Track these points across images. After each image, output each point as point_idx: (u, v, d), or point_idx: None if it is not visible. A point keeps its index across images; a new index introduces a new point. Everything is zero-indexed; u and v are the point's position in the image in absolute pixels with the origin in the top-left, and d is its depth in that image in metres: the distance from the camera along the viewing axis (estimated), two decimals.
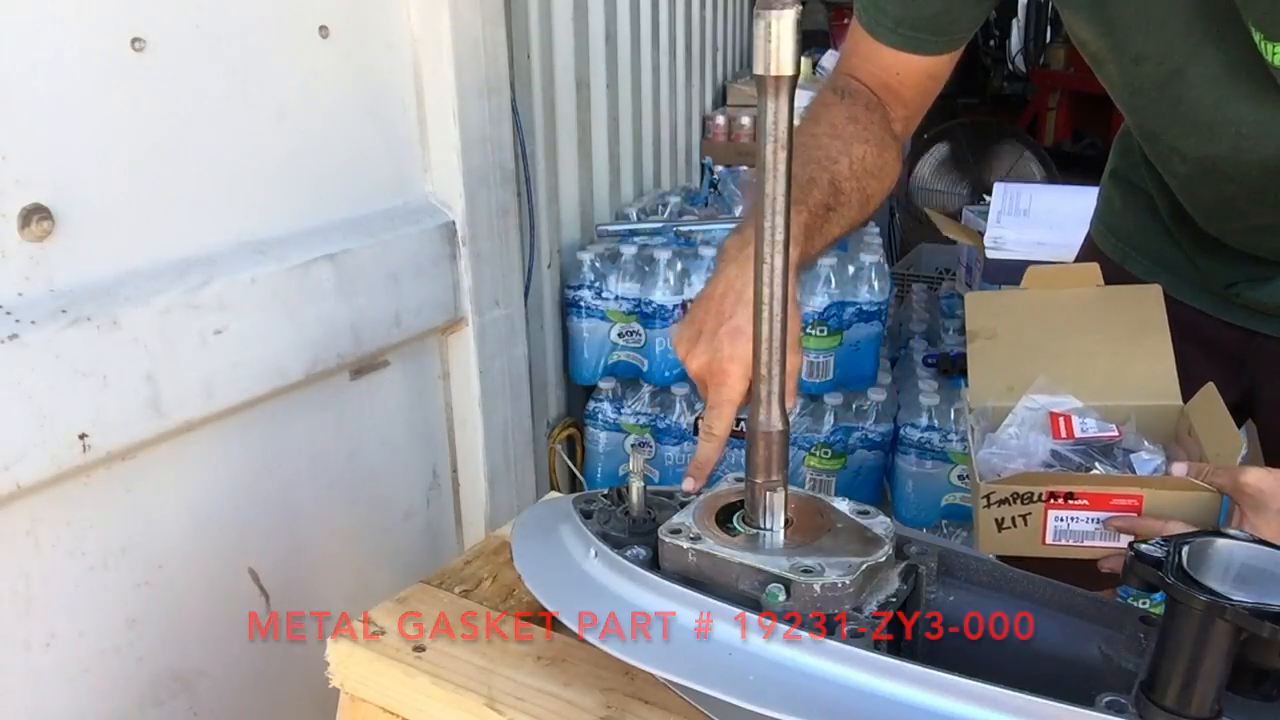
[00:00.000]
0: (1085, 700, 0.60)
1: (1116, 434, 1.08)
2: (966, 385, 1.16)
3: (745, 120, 3.63)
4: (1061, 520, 1.02)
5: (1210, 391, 1.06)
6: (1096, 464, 1.06)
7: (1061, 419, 1.10)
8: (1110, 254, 1.28)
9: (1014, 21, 6.39)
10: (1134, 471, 1.04)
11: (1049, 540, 1.02)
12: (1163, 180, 1.16)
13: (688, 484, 0.88)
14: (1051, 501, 1.01)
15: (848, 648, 0.65)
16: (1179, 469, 1.00)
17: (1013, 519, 1.02)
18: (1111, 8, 0.94)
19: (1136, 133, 1.14)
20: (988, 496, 1.01)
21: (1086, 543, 1.02)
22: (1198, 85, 0.92)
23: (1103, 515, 1.01)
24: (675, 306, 2.32)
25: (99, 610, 1.16)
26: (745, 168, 3.19)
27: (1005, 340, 1.17)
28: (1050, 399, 1.12)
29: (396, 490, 1.60)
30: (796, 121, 0.69)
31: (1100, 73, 1.03)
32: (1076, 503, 1.01)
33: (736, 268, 0.91)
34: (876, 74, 1.08)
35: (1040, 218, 2.53)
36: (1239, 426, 1.15)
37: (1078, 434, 1.08)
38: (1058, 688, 0.60)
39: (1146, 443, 1.08)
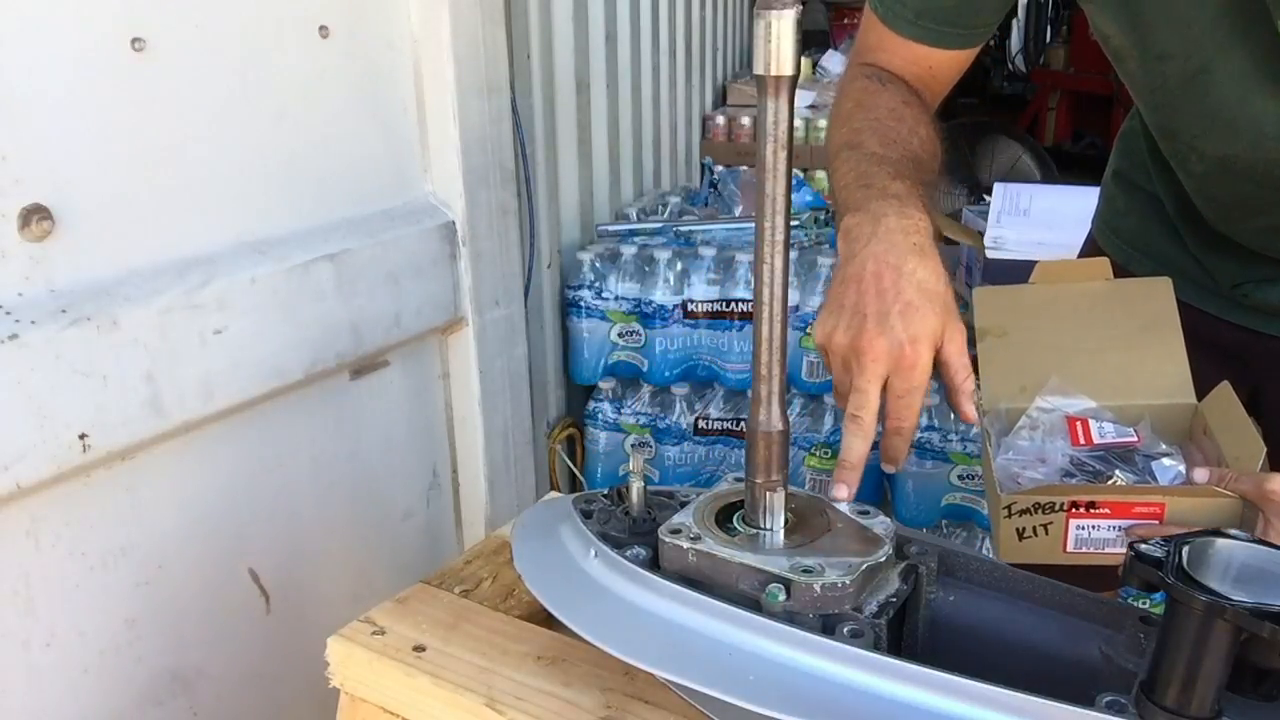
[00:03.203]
0: (1085, 700, 0.60)
1: (1135, 439, 1.07)
2: (978, 386, 1.15)
3: (745, 120, 3.63)
4: (1083, 529, 1.01)
5: (1225, 390, 1.05)
6: (1117, 471, 1.05)
7: (1079, 424, 1.09)
8: (1113, 255, 1.27)
9: (1014, 21, 6.39)
10: (1155, 478, 1.03)
11: (1070, 548, 1.02)
12: (1171, 180, 1.15)
13: (840, 491, 0.80)
14: (1073, 511, 1.00)
15: (848, 648, 0.65)
16: (1200, 475, 0.99)
17: (1034, 528, 1.02)
18: (1137, 3, 0.93)
19: (1154, 130, 1.13)
20: (1009, 507, 1.01)
21: (1108, 549, 1.01)
22: (1223, 83, 0.92)
23: (1124, 523, 1.00)
24: (675, 306, 2.32)
25: (99, 610, 1.16)
26: (745, 167, 3.19)
27: (1016, 338, 1.16)
28: (1063, 400, 1.11)
29: (396, 490, 1.60)
30: (797, 121, 0.69)
31: (1121, 69, 1.03)
32: (1098, 512, 1.00)
33: (879, 243, 0.84)
34: (904, 67, 1.08)
35: (1040, 218, 2.53)
36: None
37: (1096, 440, 1.07)
38: (1058, 688, 0.60)
39: (1164, 445, 1.07)
